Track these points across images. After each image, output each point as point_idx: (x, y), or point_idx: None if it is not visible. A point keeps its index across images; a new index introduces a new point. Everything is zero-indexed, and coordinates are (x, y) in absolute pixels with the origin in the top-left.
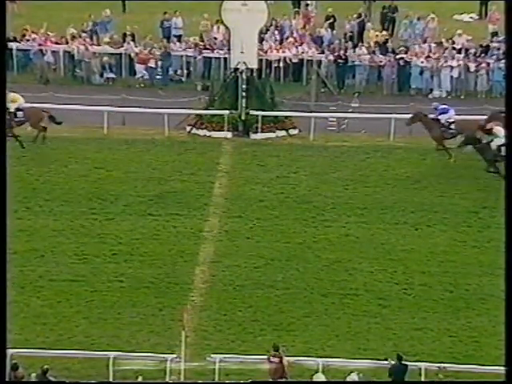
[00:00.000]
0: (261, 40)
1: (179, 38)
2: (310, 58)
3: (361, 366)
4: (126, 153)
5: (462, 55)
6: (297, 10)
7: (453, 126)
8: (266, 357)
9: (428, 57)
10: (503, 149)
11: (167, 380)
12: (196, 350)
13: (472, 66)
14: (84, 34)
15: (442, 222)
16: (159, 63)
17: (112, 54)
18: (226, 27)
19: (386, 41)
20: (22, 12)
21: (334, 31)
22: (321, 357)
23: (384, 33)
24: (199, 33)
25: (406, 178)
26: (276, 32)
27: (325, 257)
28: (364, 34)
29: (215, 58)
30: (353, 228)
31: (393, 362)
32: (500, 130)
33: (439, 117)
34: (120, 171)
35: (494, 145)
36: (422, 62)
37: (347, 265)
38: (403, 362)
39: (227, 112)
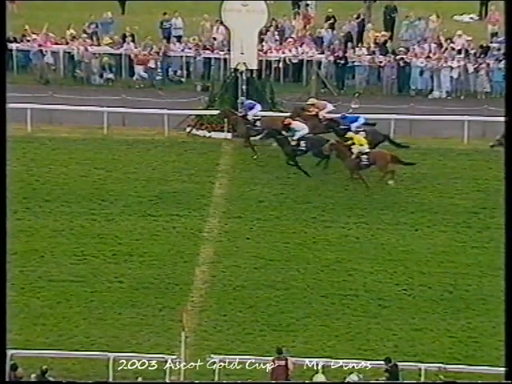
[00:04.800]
0: (261, 40)
1: (179, 38)
2: (309, 59)
3: (361, 367)
4: (126, 153)
5: (462, 56)
6: (297, 10)
7: (258, 123)
8: (267, 359)
9: (428, 57)
10: (302, 143)
11: (167, 380)
12: (196, 351)
13: (472, 67)
14: (84, 35)
15: (442, 223)
16: (159, 64)
17: (112, 54)
18: (226, 28)
19: (386, 41)
20: (21, 12)
21: (334, 32)
22: (321, 357)
23: (384, 33)
24: (199, 33)
25: (406, 178)
26: (276, 32)
27: (324, 257)
28: (364, 35)
29: (215, 58)
30: (353, 228)
31: (384, 378)
32: (298, 125)
33: (247, 113)
34: (120, 171)
35: (293, 139)
36: (422, 63)
37: (347, 265)
38: (391, 364)
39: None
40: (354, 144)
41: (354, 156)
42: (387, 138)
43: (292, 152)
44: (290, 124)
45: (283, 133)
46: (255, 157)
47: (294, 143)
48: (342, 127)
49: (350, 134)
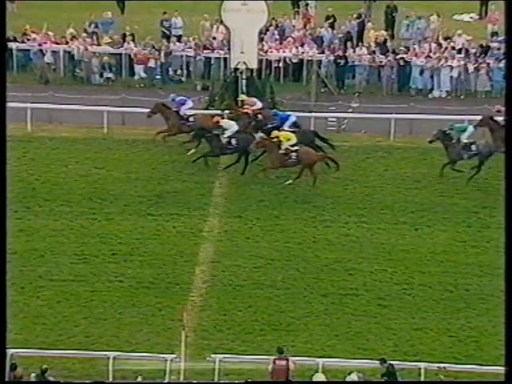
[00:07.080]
0: (261, 40)
1: (179, 37)
2: (310, 58)
3: (361, 366)
4: (126, 153)
5: (462, 55)
6: (297, 9)
7: (191, 119)
8: (268, 359)
9: (428, 57)
10: (233, 141)
11: (167, 380)
12: (196, 350)
13: (472, 66)
14: (84, 34)
15: (442, 222)
16: (159, 63)
17: (112, 53)
18: (226, 27)
19: (386, 41)
20: (21, 12)
21: (334, 31)
22: (321, 357)
23: (384, 33)
24: (198, 33)
25: (406, 178)
26: (276, 32)
27: (324, 257)
28: (364, 34)
29: (215, 57)
30: (353, 228)
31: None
32: (227, 123)
33: (179, 108)
34: (120, 171)
35: (223, 137)
36: (422, 62)
37: (347, 265)
38: (387, 364)
39: (227, 112)
40: (281, 142)
41: (282, 151)
42: (317, 135)
43: (220, 150)
44: (218, 122)
45: (213, 131)
46: (192, 151)
47: (224, 141)
48: (272, 125)
49: (274, 133)
